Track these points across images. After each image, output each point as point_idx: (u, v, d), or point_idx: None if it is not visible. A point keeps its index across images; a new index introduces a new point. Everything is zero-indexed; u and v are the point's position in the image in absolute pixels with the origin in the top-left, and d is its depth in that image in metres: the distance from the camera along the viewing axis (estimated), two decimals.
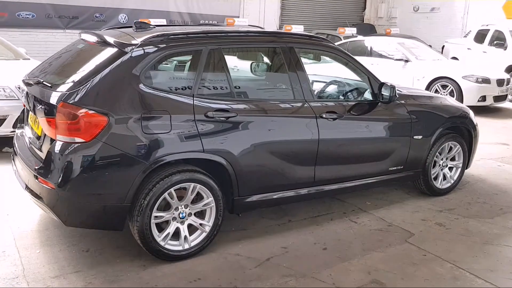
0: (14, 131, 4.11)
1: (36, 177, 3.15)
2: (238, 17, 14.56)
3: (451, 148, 4.79)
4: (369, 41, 11.19)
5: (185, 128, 3.24)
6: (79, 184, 3.03)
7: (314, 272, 3.25)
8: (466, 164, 4.96)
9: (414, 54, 10.31)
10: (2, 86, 5.53)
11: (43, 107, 3.21)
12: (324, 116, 3.83)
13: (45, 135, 3.21)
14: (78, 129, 2.99)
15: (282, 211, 4.19)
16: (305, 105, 3.80)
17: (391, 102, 4.21)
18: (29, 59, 7.03)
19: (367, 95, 4.31)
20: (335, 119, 3.90)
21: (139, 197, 3.13)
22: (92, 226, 3.34)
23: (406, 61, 10.08)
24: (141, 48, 3.25)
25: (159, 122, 3.17)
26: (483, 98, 9.39)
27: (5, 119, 5.46)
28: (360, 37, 12.05)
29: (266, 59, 4.55)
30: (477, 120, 5.12)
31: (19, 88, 5.42)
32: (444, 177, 4.83)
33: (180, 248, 3.32)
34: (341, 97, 4.56)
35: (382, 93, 4.18)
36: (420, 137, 4.43)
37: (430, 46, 12.47)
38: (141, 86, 3.17)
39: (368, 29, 16.28)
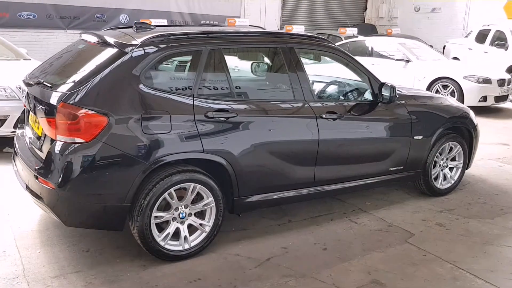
0: (15, 131, 4.11)
1: (36, 177, 3.15)
2: (239, 17, 14.57)
3: (451, 149, 4.79)
4: (370, 41, 11.19)
5: (185, 128, 3.24)
6: (79, 184, 3.04)
7: (314, 272, 3.26)
8: (467, 164, 4.96)
9: (415, 54, 10.31)
10: (3, 86, 5.54)
11: (43, 107, 3.21)
12: (324, 116, 3.83)
13: (45, 135, 3.22)
14: (78, 129, 2.99)
15: (282, 211, 4.19)
16: (305, 105, 3.80)
17: (391, 102, 4.21)
18: (30, 59, 7.04)
19: (367, 96, 4.31)
20: (335, 119, 3.90)
21: (139, 197, 3.13)
22: (92, 226, 3.35)
23: (407, 61, 10.07)
24: (141, 49, 3.26)
25: (159, 122, 3.17)
26: (484, 99, 9.38)
27: (6, 119, 5.47)
28: (361, 37, 12.04)
29: (266, 60, 4.55)
30: (477, 120, 5.12)
31: (19, 88, 5.43)
32: (445, 178, 4.83)
33: (180, 248, 3.33)
34: (341, 97, 4.56)
35: (382, 93, 4.18)
36: (420, 137, 4.43)
37: (431, 46, 12.46)
38: (141, 86, 3.18)
39: (369, 29, 16.28)
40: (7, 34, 9.93)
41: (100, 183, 3.07)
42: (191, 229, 3.39)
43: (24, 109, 3.91)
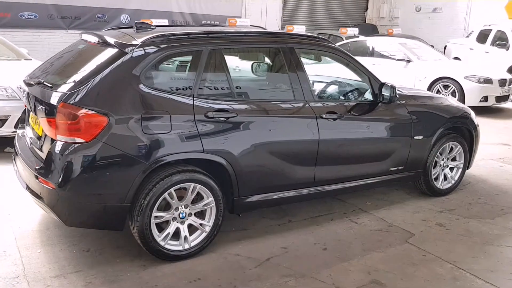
0: (16, 131, 4.12)
1: (37, 177, 3.16)
2: (240, 17, 14.57)
3: (452, 149, 4.79)
4: (371, 42, 11.18)
5: (185, 128, 3.25)
6: (79, 184, 3.04)
7: (314, 272, 3.26)
8: (467, 164, 4.96)
9: (416, 54, 10.30)
10: (4, 86, 5.55)
11: (43, 107, 3.22)
12: (324, 116, 3.83)
13: (45, 135, 3.22)
14: (78, 129, 3.00)
15: (282, 211, 4.20)
16: (306, 105, 3.80)
17: (392, 102, 4.21)
18: (31, 59, 7.05)
19: (368, 96, 4.31)
20: (335, 119, 3.90)
21: (139, 197, 3.13)
22: (92, 226, 3.35)
23: (408, 61, 10.07)
24: (141, 49, 3.26)
25: (159, 122, 3.17)
26: (485, 99, 9.37)
27: (7, 119, 5.48)
28: (362, 37, 12.04)
29: (266, 60, 4.55)
30: (478, 120, 5.12)
31: (20, 88, 5.44)
32: (445, 178, 4.83)
33: (180, 248, 3.33)
34: (341, 97, 4.56)
35: (382, 93, 4.18)
36: (420, 137, 4.43)
37: (432, 46, 12.46)
38: (141, 86, 3.18)
39: (370, 30, 16.28)
40: (8, 34, 9.95)
41: (100, 183, 3.08)
42: (191, 229, 3.39)
43: (25, 109, 3.92)
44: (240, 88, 3.75)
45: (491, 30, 13.40)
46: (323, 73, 5.05)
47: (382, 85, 4.19)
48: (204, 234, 3.41)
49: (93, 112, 3.01)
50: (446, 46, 15.11)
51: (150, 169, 3.13)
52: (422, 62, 10.06)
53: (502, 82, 9.56)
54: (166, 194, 3.20)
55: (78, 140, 3.00)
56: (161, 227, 3.29)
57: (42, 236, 3.63)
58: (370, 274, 3.27)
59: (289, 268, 3.29)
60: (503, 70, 11.21)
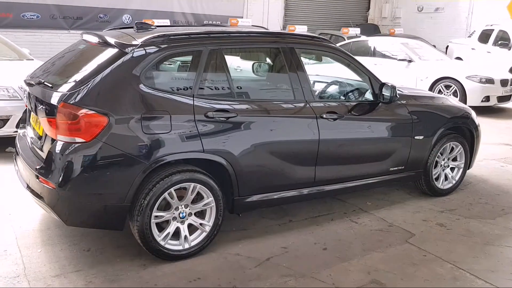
0: (17, 131, 4.13)
1: (37, 177, 3.17)
2: (242, 17, 14.58)
3: (452, 149, 4.78)
4: (373, 41, 11.17)
5: (185, 128, 3.25)
6: (79, 184, 3.05)
7: (314, 272, 3.26)
8: (468, 164, 4.95)
9: (418, 54, 10.29)
10: (5, 86, 5.56)
11: (44, 107, 3.23)
12: (324, 116, 3.83)
13: (46, 135, 3.23)
14: (78, 129, 3.01)
15: (282, 211, 4.20)
16: (306, 105, 3.80)
17: (392, 102, 4.21)
18: (32, 59, 7.06)
19: (368, 96, 4.31)
20: (336, 119, 3.90)
21: (139, 197, 3.14)
22: (92, 226, 3.36)
23: (410, 61, 10.05)
24: (141, 49, 3.27)
25: (159, 122, 3.18)
26: (487, 99, 9.36)
27: (8, 119, 5.49)
28: (363, 37, 12.04)
29: (266, 60, 4.56)
30: (480, 120, 5.11)
31: (21, 88, 5.45)
32: (446, 178, 4.82)
33: (180, 247, 3.34)
34: (341, 97, 4.56)
35: (382, 93, 4.17)
36: (421, 137, 4.42)
37: (434, 46, 12.44)
38: (142, 86, 3.19)
39: (372, 29, 16.27)
40: (10, 34, 9.97)
41: (101, 182, 3.08)
42: (191, 228, 3.40)
43: (26, 109, 3.93)
44: (240, 88, 3.75)
45: (493, 30, 13.37)
46: (323, 73, 5.05)
47: (383, 85, 4.19)
48: (204, 234, 3.42)
49: (93, 112, 3.02)
50: (448, 46, 15.09)
51: (150, 169, 3.14)
52: (423, 62, 10.05)
53: (504, 82, 9.54)
54: (166, 194, 3.21)
55: (78, 140, 3.01)
56: (161, 226, 3.29)
57: (43, 236, 3.64)
58: (370, 274, 3.27)
59: (289, 268, 3.29)
60: (505, 70, 11.19)
